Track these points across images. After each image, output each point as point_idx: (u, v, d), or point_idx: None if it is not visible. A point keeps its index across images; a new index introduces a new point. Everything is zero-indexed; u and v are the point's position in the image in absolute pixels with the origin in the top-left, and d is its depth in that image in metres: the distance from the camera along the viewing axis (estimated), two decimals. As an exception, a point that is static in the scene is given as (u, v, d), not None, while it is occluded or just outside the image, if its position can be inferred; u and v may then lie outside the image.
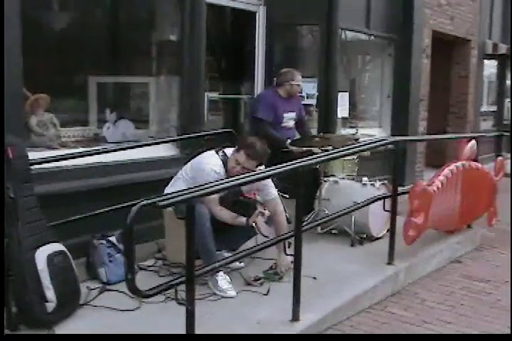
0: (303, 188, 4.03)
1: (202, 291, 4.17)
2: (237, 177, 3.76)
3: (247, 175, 3.83)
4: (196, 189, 3.44)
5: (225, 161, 4.51)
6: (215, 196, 4.34)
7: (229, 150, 4.58)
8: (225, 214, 4.46)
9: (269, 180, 4.58)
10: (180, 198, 3.26)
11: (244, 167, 4.39)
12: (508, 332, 4.23)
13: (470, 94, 11.54)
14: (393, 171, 5.28)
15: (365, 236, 5.75)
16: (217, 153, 4.58)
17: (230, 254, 4.52)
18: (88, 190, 4.67)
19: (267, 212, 4.44)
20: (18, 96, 4.29)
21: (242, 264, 4.82)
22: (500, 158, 6.80)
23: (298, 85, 6.20)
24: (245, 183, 3.83)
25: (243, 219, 4.42)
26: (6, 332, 3.56)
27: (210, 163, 4.47)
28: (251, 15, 7.28)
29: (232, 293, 4.32)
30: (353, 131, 7.23)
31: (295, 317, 3.86)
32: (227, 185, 3.63)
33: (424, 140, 9.48)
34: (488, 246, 6.49)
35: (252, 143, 4.46)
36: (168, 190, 4.54)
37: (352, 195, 5.69)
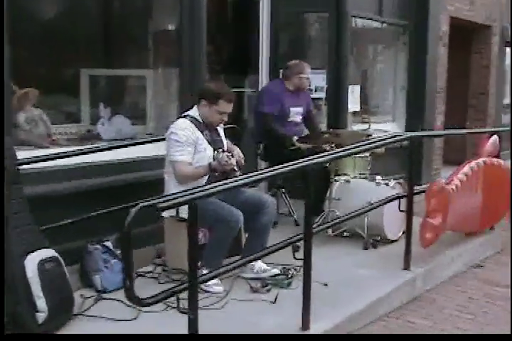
0: (312, 188, 4.04)
1: (204, 299, 4.17)
2: (241, 177, 3.78)
3: (251, 174, 3.81)
4: (199, 189, 3.44)
5: (194, 121, 4.60)
6: (187, 158, 4.48)
7: (192, 111, 4.68)
8: (190, 171, 4.50)
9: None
10: (181, 199, 3.27)
11: (226, 112, 4.65)
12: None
13: (491, 86, 11.48)
14: (409, 169, 5.28)
15: (379, 238, 5.75)
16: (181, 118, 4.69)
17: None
18: (82, 192, 4.66)
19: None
20: (5, 91, 4.28)
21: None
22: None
23: (307, 79, 6.24)
24: (251, 182, 3.83)
25: (205, 165, 4.45)
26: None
27: (175, 126, 4.59)
28: (254, 4, 7.28)
29: (219, 288, 4.35)
30: (365, 126, 7.24)
31: (305, 326, 3.86)
32: (230, 185, 3.64)
33: (442, 135, 9.43)
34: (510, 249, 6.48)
35: (221, 89, 4.68)
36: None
37: (365, 194, 5.68)
